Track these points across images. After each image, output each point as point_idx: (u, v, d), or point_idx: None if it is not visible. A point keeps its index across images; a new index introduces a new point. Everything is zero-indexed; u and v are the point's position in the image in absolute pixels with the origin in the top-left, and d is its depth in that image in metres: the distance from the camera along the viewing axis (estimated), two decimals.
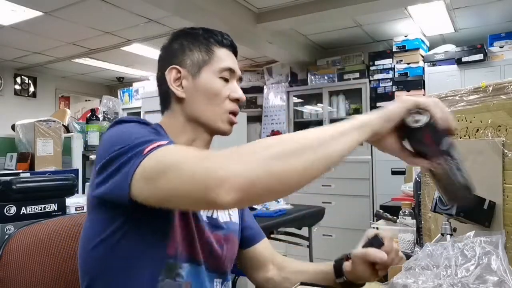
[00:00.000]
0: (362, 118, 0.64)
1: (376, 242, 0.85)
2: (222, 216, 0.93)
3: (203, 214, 0.87)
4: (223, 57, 0.89)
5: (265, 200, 0.67)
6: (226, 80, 0.88)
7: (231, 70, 0.89)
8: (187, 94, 0.87)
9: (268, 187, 0.57)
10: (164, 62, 0.90)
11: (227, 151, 0.59)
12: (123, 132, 0.72)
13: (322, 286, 0.83)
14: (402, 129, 0.66)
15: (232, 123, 0.90)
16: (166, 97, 0.90)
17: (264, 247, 1.03)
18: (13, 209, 1.34)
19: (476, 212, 0.81)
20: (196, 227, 0.83)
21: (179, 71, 0.87)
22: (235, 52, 0.94)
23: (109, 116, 2.58)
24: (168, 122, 0.89)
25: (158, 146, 0.64)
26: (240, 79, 0.94)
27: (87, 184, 2.24)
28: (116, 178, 0.67)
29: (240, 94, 0.89)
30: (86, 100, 6.97)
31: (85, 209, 1.48)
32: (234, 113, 0.90)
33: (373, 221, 1.90)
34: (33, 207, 1.40)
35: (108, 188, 0.68)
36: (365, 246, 0.86)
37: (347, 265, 0.91)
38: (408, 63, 3.95)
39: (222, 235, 0.90)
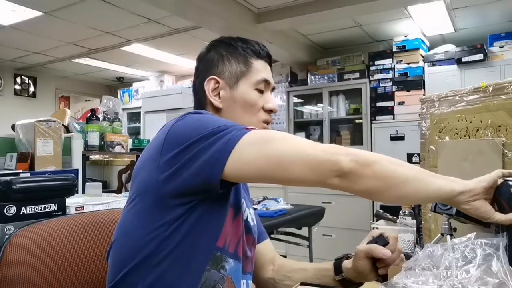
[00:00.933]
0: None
1: (381, 240, 0.85)
2: (252, 219, 0.95)
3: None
4: (260, 69, 0.92)
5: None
6: (261, 91, 0.92)
7: (266, 82, 0.92)
8: (224, 104, 0.90)
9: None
10: (202, 72, 0.93)
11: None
12: (205, 120, 0.75)
13: (323, 286, 0.83)
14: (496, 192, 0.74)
15: None
16: (202, 105, 0.92)
17: (266, 248, 1.04)
18: (13, 209, 1.34)
19: None
20: (243, 226, 0.86)
21: (217, 82, 0.90)
22: (270, 63, 0.97)
23: (109, 116, 2.57)
24: None
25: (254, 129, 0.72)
26: (273, 89, 0.96)
27: (87, 184, 2.23)
28: (209, 154, 0.69)
29: (274, 104, 0.93)
30: (86, 100, 6.98)
31: (85, 209, 1.48)
32: (267, 122, 0.93)
33: (373, 221, 1.90)
34: (33, 207, 1.40)
35: (196, 168, 0.70)
36: (370, 243, 0.87)
37: (347, 262, 0.92)
38: (408, 63, 3.95)
39: (252, 238, 0.93)
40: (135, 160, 2.75)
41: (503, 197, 0.71)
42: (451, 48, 3.82)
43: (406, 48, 3.96)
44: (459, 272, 0.58)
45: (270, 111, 0.92)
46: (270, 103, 0.92)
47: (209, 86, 0.90)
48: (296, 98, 4.64)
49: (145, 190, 0.76)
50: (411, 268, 0.64)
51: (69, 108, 6.37)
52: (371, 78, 4.14)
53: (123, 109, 5.23)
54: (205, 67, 0.93)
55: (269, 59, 0.96)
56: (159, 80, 5.77)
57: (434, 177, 0.71)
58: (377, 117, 4.04)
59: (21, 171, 2.06)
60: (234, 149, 0.68)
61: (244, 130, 0.71)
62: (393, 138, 3.85)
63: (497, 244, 0.60)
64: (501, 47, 3.64)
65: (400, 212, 1.44)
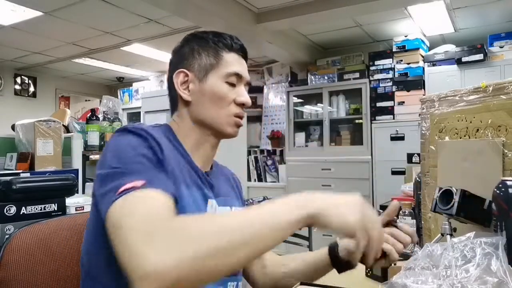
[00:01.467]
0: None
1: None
2: None
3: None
4: (231, 62, 0.90)
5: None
6: (233, 85, 0.90)
7: (238, 75, 0.90)
8: (193, 98, 0.89)
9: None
10: (173, 66, 0.92)
11: (179, 227, 0.57)
12: (119, 150, 0.72)
13: (324, 286, 0.83)
14: None
15: (238, 126, 0.91)
16: (175, 100, 0.92)
17: None
18: (13, 209, 1.34)
19: (476, 212, 0.81)
20: None
21: (186, 75, 0.89)
22: (245, 57, 0.95)
23: (109, 116, 2.57)
24: (176, 124, 0.91)
25: (133, 188, 0.64)
26: (248, 84, 0.94)
27: (87, 184, 2.23)
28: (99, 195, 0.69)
29: (245, 98, 0.90)
30: (86, 100, 6.98)
31: (85, 209, 1.48)
32: (239, 116, 0.91)
33: None
34: (33, 207, 1.40)
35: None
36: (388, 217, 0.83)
37: (346, 241, 0.86)
38: (408, 63, 3.95)
39: None
40: None
41: (501, 197, 0.71)
42: (451, 48, 3.82)
43: (406, 48, 3.96)
44: (459, 271, 0.58)
45: (242, 105, 0.90)
46: (242, 97, 0.90)
47: (178, 79, 0.89)
48: (296, 98, 4.64)
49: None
50: (410, 267, 0.65)
51: (69, 108, 6.37)
52: (371, 78, 4.14)
53: (123, 109, 5.22)
54: (176, 61, 0.92)
55: (243, 53, 0.94)
56: (159, 80, 5.77)
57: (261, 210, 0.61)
58: (377, 117, 4.04)
59: (21, 171, 2.06)
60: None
61: (114, 196, 0.64)
62: (393, 138, 3.85)
63: (496, 243, 0.60)
64: (501, 47, 3.64)
65: (400, 212, 1.44)
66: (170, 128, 0.90)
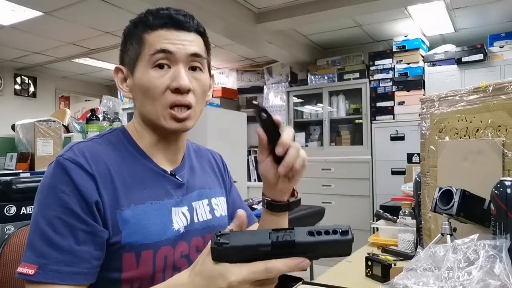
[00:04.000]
0: None
1: (265, 123, 0.62)
2: (202, 214, 0.87)
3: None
4: (154, 41, 0.75)
5: None
6: (166, 67, 0.75)
7: (164, 52, 0.74)
8: (132, 94, 0.80)
9: None
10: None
11: None
12: (41, 194, 0.70)
13: (324, 286, 0.83)
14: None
15: (177, 119, 0.76)
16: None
17: None
18: (13, 209, 1.34)
19: (476, 212, 0.81)
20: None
21: (122, 71, 0.82)
22: (181, 26, 0.77)
23: (109, 116, 2.58)
24: (132, 125, 0.84)
25: (26, 275, 0.64)
26: (196, 57, 0.77)
27: None
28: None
29: (179, 82, 0.74)
30: (86, 100, 6.98)
31: None
32: (178, 105, 0.75)
33: (373, 221, 1.90)
34: (33, 207, 1.39)
35: None
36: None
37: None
38: (408, 63, 3.95)
39: (201, 241, 0.84)
40: None
41: (500, 197, 0.71)
42: (451, 48, 3.82)
43: (406, 48, 3.96)
44: (461, 273, 0.58)
45: (177, 90, 0.74)
46: (175, 80, 0.73)
47: (117, 77, 0.83)
48: (296, 98, 4.64)
49: None
50: (412, 268, 0.64)
51: (69, 108, 6.37)
52: (371, 78, 4.14)
53: (123, 109, 5.21)
54: (119, 56, 0.84)
55: (175, 23, 0.76)
56: None
57: None
58: (377, 117, 4.04)
59: (21, 171, 2.06)
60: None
61: (17, 272, 0.65)
62: (393, 138, 3.85)
63: (500, 246, 0.59)
64: (501, 47, 3.65)
65: (400, 212, 1.44)
66: (126, 131, 0.82)
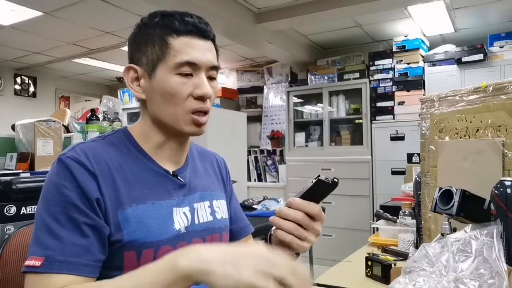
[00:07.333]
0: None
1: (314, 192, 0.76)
2: (202, 216, 0.88)
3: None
4: (180, 49, 0.77)
5: None
6: (189, 75, 0.77)
7: (190, 64, 0.77)
8: (146, 95, 0.80)
9: None
10: (128, 59, 0.83)
11: None
12: (46, 191, 0.72)
13: (324, 286, 0.83)
14: None
15: (198, 124, 0.80)
16: (138, 99, 0.84)
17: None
18: (13, 209, 1.34)
19: (476, 212, 0.81)
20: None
21: (135, 71, 0.80)
22: (204, 35, 0.80)
23: (109, 116, 2.58)
24: (138, 125, 0.84)
25: (32, 267, 0.65)
26: (214, 69, 0.81)
27: None
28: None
29: (204, 90, 0.77)
30: (86, 100, 6.98)
31: None
32: (201, 112, 0.79)
33: (373, 221, 1.90)
34: (33, 207, 1.40)
35: None
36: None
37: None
38: (408, 63, 3.95)
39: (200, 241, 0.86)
40: None
41: (500, 197, 0.71)
42: (451, 48, 3.82)
43: (406, 48, 3.96)
44: (456, 265, 0.58)
45: (201, 98, 0.78)
46: (199, 89, 0.77)
47: (127, 76, 0.81)
48: (296, 98, 4.64)
49: None
50: (411, 270, 0.65)
51: (69, 108, 6.37)
52: (371, 78, 4.14)
53: (123, 109, 5.22)
54: (129, 54, 0.83)
55: (199, 32, 0.79)
56: None
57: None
58: (377, 117, 4.04)
59: (21, 171, 2.07)
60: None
61: (25, 266, 0.66)
62: (393, 138, 3.85)
63: (491, 232, 0.60)
64: (501, 47, 3.64)
65: (400, 212, 1.44)
66: (128, 132, 0.83)
